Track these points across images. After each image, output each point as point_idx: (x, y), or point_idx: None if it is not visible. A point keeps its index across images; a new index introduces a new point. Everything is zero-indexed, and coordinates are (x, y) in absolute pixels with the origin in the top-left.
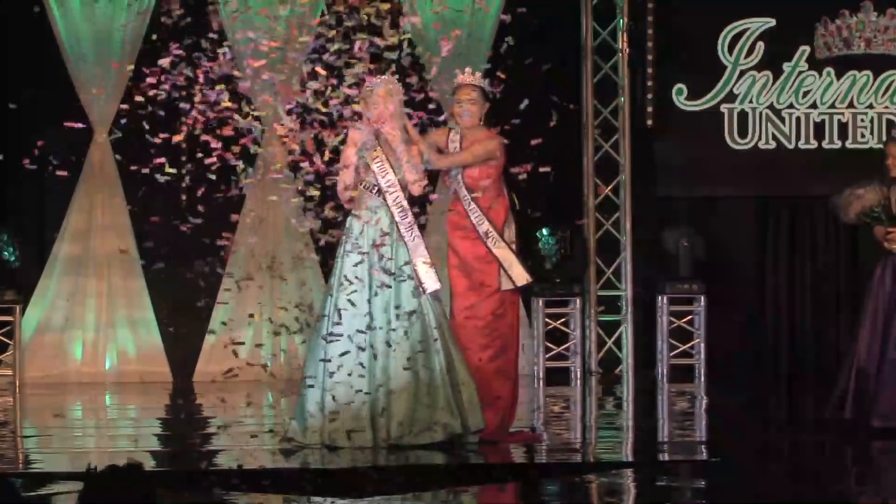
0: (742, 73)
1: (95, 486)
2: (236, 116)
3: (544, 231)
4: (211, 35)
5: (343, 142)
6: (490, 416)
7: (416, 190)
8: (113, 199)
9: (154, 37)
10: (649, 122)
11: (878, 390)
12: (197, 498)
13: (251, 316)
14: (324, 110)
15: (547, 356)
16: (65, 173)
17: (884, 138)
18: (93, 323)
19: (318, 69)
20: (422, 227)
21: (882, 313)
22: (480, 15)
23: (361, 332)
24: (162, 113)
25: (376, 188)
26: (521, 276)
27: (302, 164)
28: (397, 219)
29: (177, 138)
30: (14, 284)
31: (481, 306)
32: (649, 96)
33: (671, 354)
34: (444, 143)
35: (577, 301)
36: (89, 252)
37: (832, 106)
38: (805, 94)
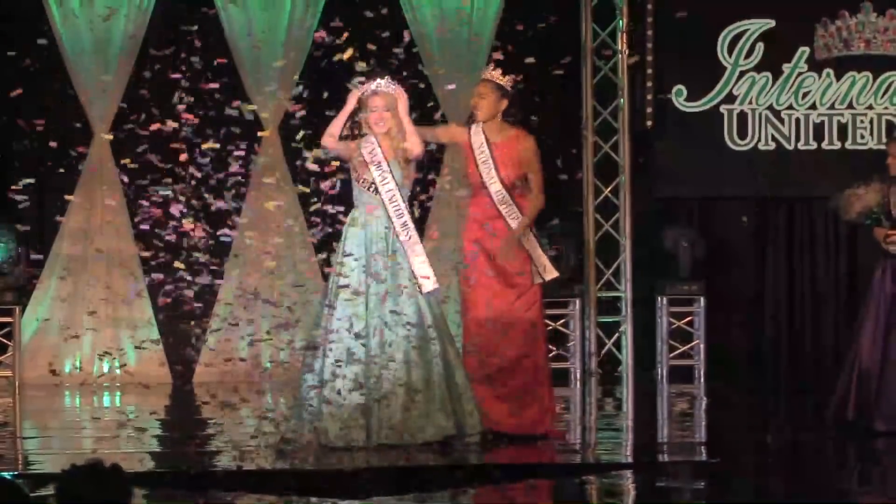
0: (741, 74)
1: (71, 483)
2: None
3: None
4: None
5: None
6: (535, 413)
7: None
8: (113, 199)
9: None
10: (649, 124)
11: (881, 393)
12: (195, 499)
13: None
14: None
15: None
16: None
17: (883, 139)
18: (92, 324)
19: None
20: (422, 221)
21: (883, 315)
22: (480, 15)
23: (358, 333)
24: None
25: (373, 186)
26: (551, 271)
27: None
28: (393, 217)
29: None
30: (14, 285)
31: (513, 304)
32: (649, 97)
33: (671, 355)
34: (464, 140)
35: (577, 302)
36: (89, 252)
37: (832, 107)
38: (804, 95)
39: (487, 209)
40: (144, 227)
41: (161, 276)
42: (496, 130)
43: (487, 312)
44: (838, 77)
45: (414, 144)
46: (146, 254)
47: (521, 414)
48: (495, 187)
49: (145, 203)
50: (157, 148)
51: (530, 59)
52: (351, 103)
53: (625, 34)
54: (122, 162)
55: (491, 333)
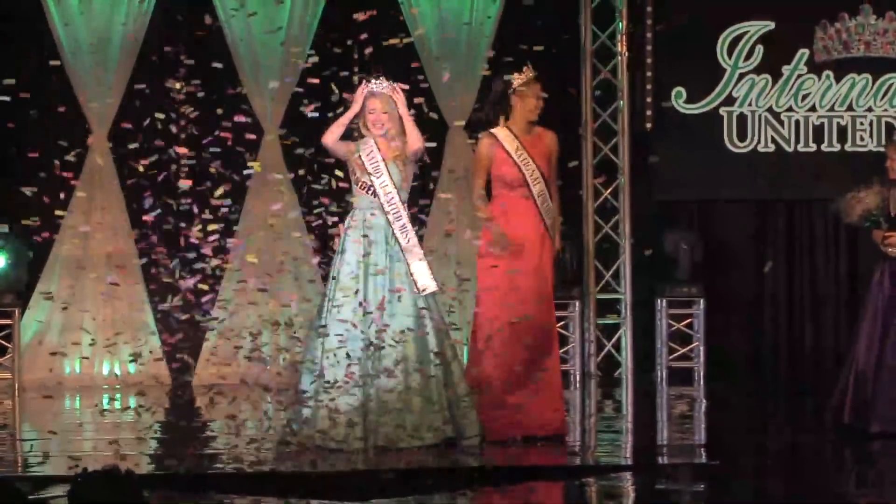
0: (741, 76)
1: (85, 487)
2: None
3: None
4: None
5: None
6: (559, 415)
7: (416, 145)
8: (112, 201)
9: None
10: (648, 126)
11: (876, 395)
12: (194, 501)
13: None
14: None
15: None
16: (70, 174)
17: (883, 141)
18: (91, 326)
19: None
20: (419, 235)
21: (880, 317)
22: (480, 15)
23: (357, 336)
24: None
25: (371, 188)
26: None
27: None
28: (391, 220)
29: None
30: (12, 288)
31: (541, 303)
32: (648, 99)
33: (670, 357)
34: (499, 152)
35: (577, 304)
36: (88, 254)
37: (831, 109)
38: (804, 97)
39: (517, 206)
40: (144, 229)
41: (160, 273)
42: (524, 129)
43: (513, 314)
44: (838, 79)
45: (413, 139)
46: (153, 268)
47: (547, 415)
48: (539, 184)
49: (145, 205)
50: (156, 149)
51: (529, 60)
52: (357, 104)
53: (624, 36)
54: (132, 165)
55: (519, 335)
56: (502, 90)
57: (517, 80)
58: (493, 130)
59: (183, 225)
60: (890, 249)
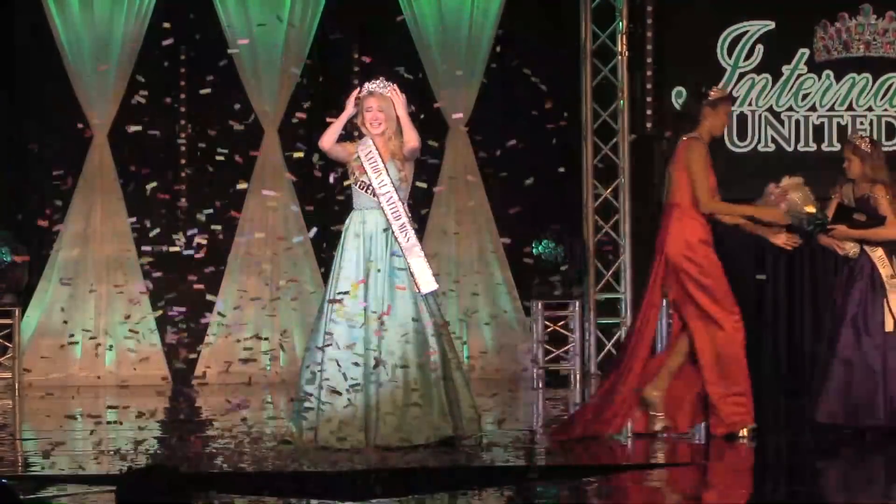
0: (741, 75)
1: (133, 486)
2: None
3: (543, 243)
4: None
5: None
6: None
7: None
8: (112, 202)
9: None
10: (648, 126)
11: (824, 387)
12: (195, 501)
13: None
14: None
15: (546, 358)
16: (70, 175)
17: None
18: (92, 325)
19: None
20: (420, 234)
21: (839, 308)
22: (479, 18)
23: (357, 335)
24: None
25: (370, 188)
26: None
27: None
28: (391, 220)
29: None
30: (13, 287)
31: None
32: (648, 99)
33: None
34: (709, 158)
35: (577, 304)
36: (88, 254)
37: (831, 108)
38: (804, 96)
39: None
40: (145, 228)
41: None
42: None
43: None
44: (838, 79)
45: (410, 138)
46: (147, 259)
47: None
48: None
49: (145, 205)
50: (157, 151)
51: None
52: (350, 106)
53: (624, 36)
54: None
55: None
56: (695, 101)
57: (713, 93)
58: (696, 136)
59: (183, 224)
60: (842, 250)
